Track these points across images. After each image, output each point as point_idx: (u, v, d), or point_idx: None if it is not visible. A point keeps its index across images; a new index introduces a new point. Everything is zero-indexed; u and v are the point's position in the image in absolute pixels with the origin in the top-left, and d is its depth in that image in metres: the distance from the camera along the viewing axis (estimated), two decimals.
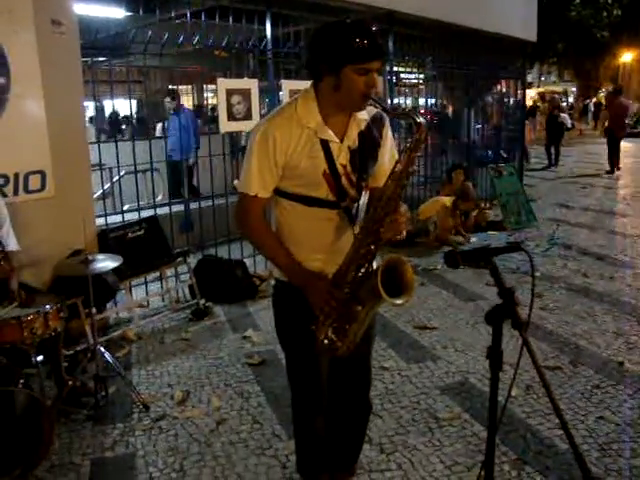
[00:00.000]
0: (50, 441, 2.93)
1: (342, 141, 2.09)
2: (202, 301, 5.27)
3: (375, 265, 2.07)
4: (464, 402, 3.57)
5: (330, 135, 2.07)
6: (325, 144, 2.06)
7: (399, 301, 1.96)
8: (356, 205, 2.15)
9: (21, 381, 2.96)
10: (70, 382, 3.64)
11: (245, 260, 5.95)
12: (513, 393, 3.52)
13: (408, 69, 10.15)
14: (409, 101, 12.18)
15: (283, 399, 3.61)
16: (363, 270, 2.03)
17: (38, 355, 3.32)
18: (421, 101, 10.67)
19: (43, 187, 4.40)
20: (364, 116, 2.13)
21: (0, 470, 2.79)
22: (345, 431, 2.55)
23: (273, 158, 2.05)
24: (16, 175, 4.25)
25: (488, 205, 8.65)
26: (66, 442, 3.26)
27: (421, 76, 9.54)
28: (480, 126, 10.84)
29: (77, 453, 3.17)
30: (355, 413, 2.53)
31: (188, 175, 7.89)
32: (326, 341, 2.07)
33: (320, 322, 2.07)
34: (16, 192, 4.26)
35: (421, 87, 10.15)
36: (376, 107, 2.12)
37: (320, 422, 2.42)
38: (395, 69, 8.79)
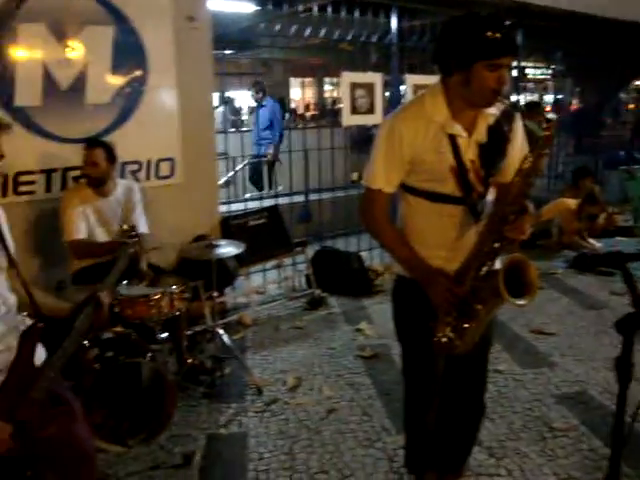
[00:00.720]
0: (171, 412, 3.11)
1: (470, 136, 2.05)
2: (318, 291, 5.33)
3: (498, 264, 2.03)
4: (582, 414, 3.40)
5: (458, 130, 2.03)
6: (453, 139, 2.03)
7: (521, 302, 1.90)
8: (482, 201, 2.11)
9: (148, 355, 3.14)
10: (189, 360, 3.84)
11: (362, 253, 5.99)
12: None
13: (534, 63, 9.76)
14: (534, 97, 11.74)
15: (393, 394, 3.61)
16: (485, 268, 2.00)
17: (163, 333, 3.52)
18: (547, 97, 10.24)
19: (172, 174, 4.64)
20: (493, 111, 2.08)
21: (128, 432, 3.00)
22: (457, 431, 2.50)
23: (399, 153, 2.04)
24: (148, 162, 4.51)
25: (617, 209, 8.17)
26: (184, 415, 3.42)
27: (548, 71, 9.14)
28: None
29: (194, 427, 3.33)
30: (468, 414, 2.49)
31: (268, 170, 7.68)
32: (444, 339, 2.04)
33: (439, 319, 2.05)
34: (148, 178, 4.52)
35: (548, 82, 9.74)
36: (505, 104, 2.06)
37: (431, 419, 2.40)
38: (522, 64, 8.47)
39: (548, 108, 10.55)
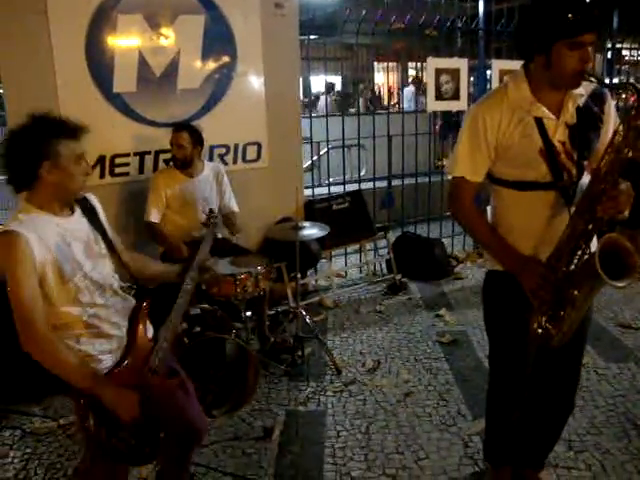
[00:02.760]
0: (254, 388, 3.23)
1: (558, 117, 2.00)
2: (398, 276, 5.36)
3: (593, 247, 1.94)
4: None
5: (544, 112, 1.98)
6: (539, 122, 1.99)
7: (620, 284, 1.81)
8: (574, 186, 2.04)
9: (233, 331, 3.28)
10: (272, 339, 3.96)
11: (443, 240, 5.98)
12: None
13: (633, 45, 9.25)
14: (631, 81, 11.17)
15: (471, 380, 3.62)
16: (579, 252, 1.93)
17: (247, 311, 3.65)
18: None
19: (258, 157, 4.78)
20: (581, 92, 2.02)
21: (213, 404, 3.15)
22: (543, 427, 2.48)
23: (484, 139, 2.03)
24: (236, 146, 4.66)
25: None
26: (265, 391, 3.56)
27: None
28: None
29: (274, 402, 3.46)
30: (557, 411, 2.46)
31: None
32: (540, 330, 2.00)
33: (534, 309, 2.01)
34: (235, 161, 4.68)
35: None
36: (592, 82, 1.99)
37: (516, 416, 2.39)
38: (617, 46, 8.06)
39: None
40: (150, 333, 2.24)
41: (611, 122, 2.08)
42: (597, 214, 1.89)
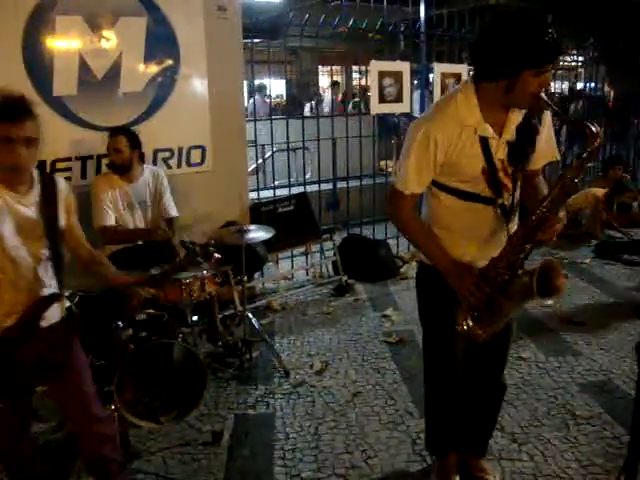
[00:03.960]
0: (202, 392, 3.21)
1: (500, 136, 2.06)
2: (345, 278, 5.39)
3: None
4: (605, 402, 3.41)
5: (489, 132, 2.04)
6: (484, 141, 2.05)
7: (548, 301, 1.99)
8: (511, 199, 2.16)
9: (180, 336, 3.25)
10: (219, 343, 3.94)
11: (389, 241, 6.06)
12: None
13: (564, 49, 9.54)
14: (565, 85, 11.57)
15: (418, 378, 3.65)
16: (515, 267, 2.04)
17: (193, 315, 3.62)
18: (579, 85, 10.03)
19: (203, 161, 4.73)
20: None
21: (160, 410, 3.11)
22: (478, 412, 2.57)
23: (433, 158, 2.06)
24: (180, 149, 4.61)
25: None
26: (213, 396, 3.54)
27: (580, 58, 8.96)
28: None
29: (223, 407, 3.44)
30: (489, 393, 2.55)
31: None
32: (465, 327, 2.10)
33: (463, 309, 2.10)
34: (179, 165, 4.62)
35: (579, 70, 9.53)
36: (546, 108, 2.05)
37: (451, 401, 2.46)
38: None
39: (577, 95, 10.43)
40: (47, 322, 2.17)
41: (546, 131, 2.18)
42: (536, 237, 2.01)
